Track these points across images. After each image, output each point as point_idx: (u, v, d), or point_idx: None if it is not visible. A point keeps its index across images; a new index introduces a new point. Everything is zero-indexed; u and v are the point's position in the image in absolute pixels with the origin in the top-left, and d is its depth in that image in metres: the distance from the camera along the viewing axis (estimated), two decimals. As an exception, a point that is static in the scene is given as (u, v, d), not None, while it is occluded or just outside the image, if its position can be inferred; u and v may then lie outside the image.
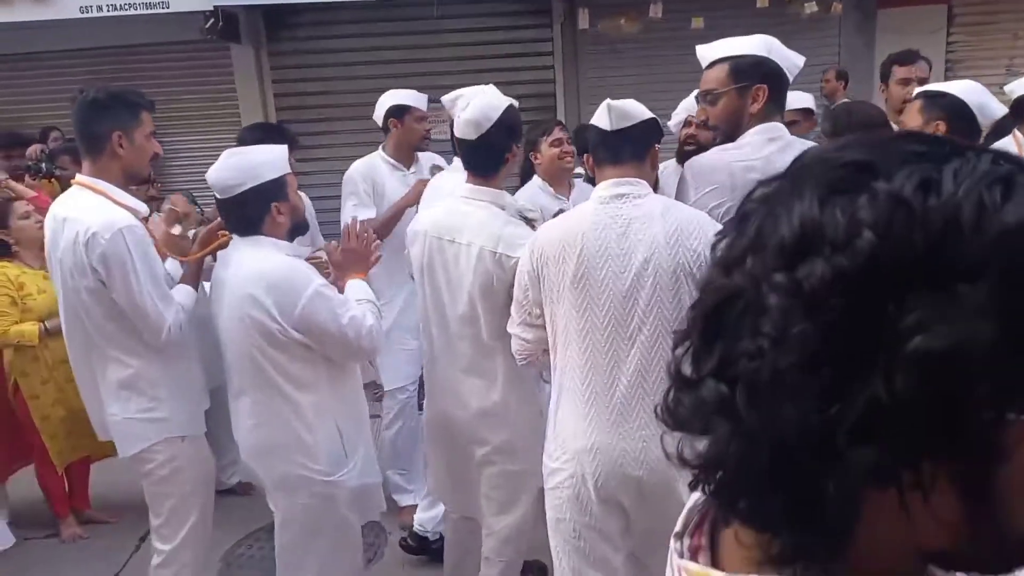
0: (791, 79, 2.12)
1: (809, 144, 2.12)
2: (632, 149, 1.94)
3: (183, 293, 2.38)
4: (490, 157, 2.25)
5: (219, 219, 2.43)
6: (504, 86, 2.58)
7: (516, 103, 2.30)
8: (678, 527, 0.61)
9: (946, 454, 0.45)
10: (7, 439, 3.54)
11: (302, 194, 2.63)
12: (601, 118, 1.95)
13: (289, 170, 2.22)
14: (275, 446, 2.20)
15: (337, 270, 2.35)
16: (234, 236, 2.25)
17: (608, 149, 1.96)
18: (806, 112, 3.82)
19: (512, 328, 2.07)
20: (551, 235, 1.96)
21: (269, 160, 2.17)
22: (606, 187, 1.94)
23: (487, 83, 2.41)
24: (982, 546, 0.49)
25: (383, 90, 3.74)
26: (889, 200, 0.45)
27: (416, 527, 3.17)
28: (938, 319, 0.43)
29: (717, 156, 2.12)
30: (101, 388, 2.37)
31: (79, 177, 2.33)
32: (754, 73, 2.07)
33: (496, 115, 2.19)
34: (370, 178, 3.55)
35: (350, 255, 2.34)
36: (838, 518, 0.47)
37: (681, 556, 0.59)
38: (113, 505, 3.81)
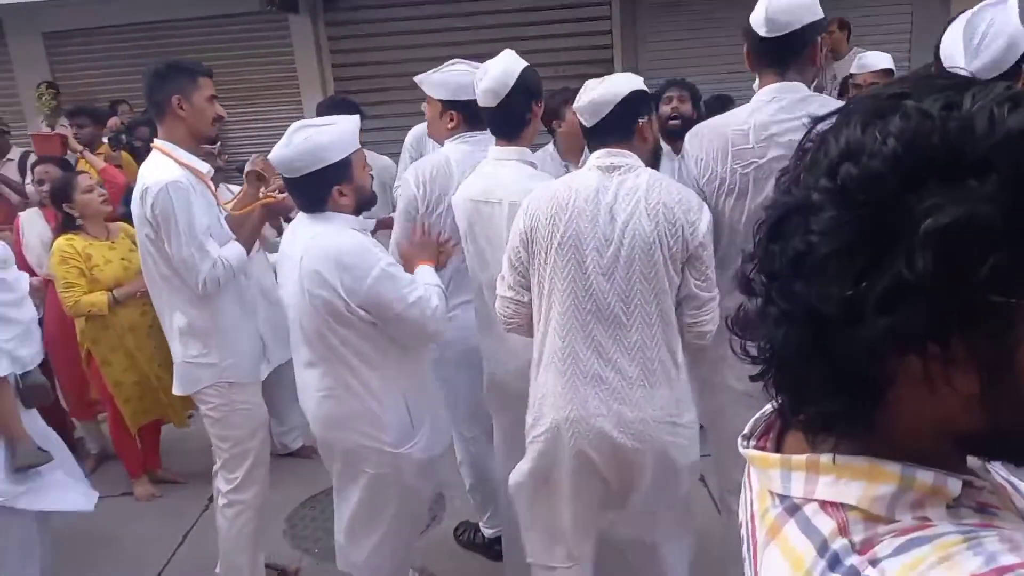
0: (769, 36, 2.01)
1: (823, 98, 2.13)
2: (620, 126, 2.00)
3: (231, 249, 2.51)
4: (512, 120, 2.32)
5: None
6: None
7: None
8: (745, 430, 0.72)
9: (961, 329, 0.53)
10: (80, 393, 3.74)
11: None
12: None
13: (358, 147, 2.20)
14: (343, 417, 2.23)
15: (406, 261, 2.37)
16: (301, 214, 2.25)
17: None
18: (886, 72, 3.92)
19: (502, 290, 2.09)
20: (544, 198, 2.00)
21: (335, 141, 2.12)
22: (600, 156, 2.00)
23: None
24: (1010, 429, 0.56)
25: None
26: (916, 114, 0.54)
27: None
28: (949, 203, 0.51)
29: (710, 122, 2.19)
30: (167, 332, 2.58)
31: (155, 141, 2.53)
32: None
33: (513, 80, 2.25)
34: (418, 146, 3.70)
35: (418, 248, 2.41)
36: (866, 383, 0.57)
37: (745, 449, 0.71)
38: (182, 467, 3.96)
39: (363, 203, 2.26)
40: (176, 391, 2.64)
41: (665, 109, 3.66)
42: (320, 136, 2.11)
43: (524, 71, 2.27)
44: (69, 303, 3.38)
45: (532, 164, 2.35)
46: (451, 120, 2.57)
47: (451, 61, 2.61)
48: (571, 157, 3.34)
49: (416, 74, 2.68)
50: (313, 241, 2.13)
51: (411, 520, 2.45)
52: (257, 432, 2.64)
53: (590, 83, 2.03)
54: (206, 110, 2.51)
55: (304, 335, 2.22)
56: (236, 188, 3.02)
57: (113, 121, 5.26)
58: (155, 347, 3.49)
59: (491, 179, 2.32)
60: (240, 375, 2.57)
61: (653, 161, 2.08)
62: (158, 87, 2.47)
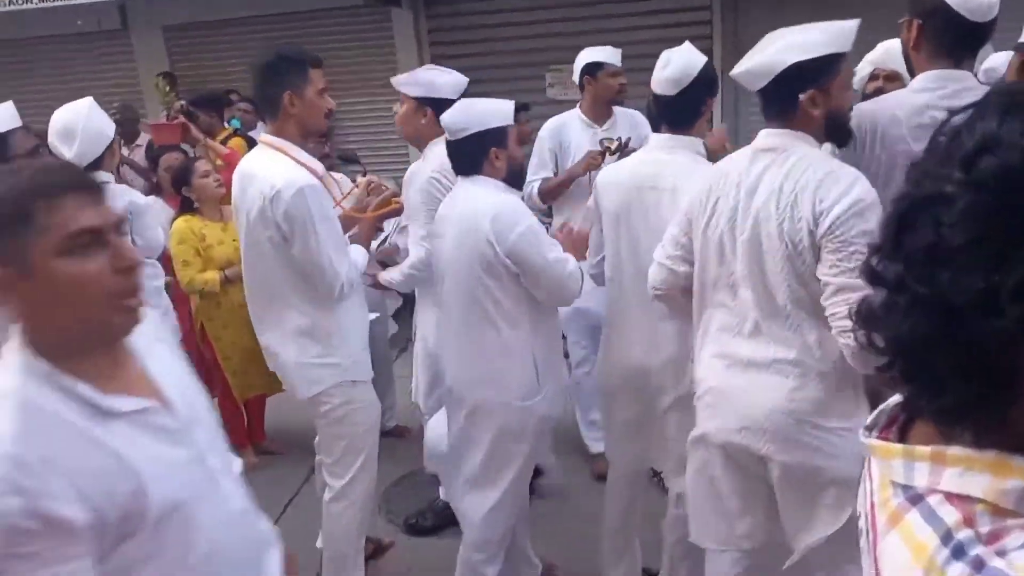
0: (974, 20, 1.91)
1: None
2: (777, 103, 1.86)
3: (356, 252, 2.56)
4: (688, 110, 2.35)
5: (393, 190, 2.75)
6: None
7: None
8: (868, 422, 0.73)
9: None
10: (195, 368, 3.91)
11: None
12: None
13: (513, 123, 2.40)
14: (481, 375, 2.38)
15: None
16: (459, 177, 2.44)
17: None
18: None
19: (660, 256, 2.12)
20: (704, 179, 2.03)
21: (497, 110, 2.37)
22: (760, 137, 1.93)
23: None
24: None
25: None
26: None
27: None
28: None
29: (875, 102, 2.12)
30: (279, 333, 2.51)
31: (263, 136, 2.47)
32: (914, 7, 2.03)
33: (695, 72, 2.29)
34: (557, 137, 3.70)
35: (568, 247, 2.49)
36: (997, 374, 0.57)
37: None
38: (285, 439, 4.16)
39: (513, 173, 2.42)
40: (300, 394, 2.56)
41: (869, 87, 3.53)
42: (484, 104, 2.36)
43: (706, 65, 2.32)
44: (184, 280, 3.61)
45: (702, 154, 2.37)
46: (423, 116, 2.80)
47: (425, 67, 2.81)
48: (597, 117, 3.69)
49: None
50: (469, 201, 2.33)
51: (526, 483, 2.50)
52: (373, 428, 2.65)
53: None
54: (318, 104, 2.42)
55: (456, 292, 2.37)
56: (337, 176, 3.13)
57: (230, 111, 5.50)
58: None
59: (660, 166, 2.35)
60: (361, 374, 2.58)
61: (840, 141, 1.95)
62: (269, 82, 2.38)
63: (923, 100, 1.96)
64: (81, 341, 1.13)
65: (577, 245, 2.53)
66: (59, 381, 1.09)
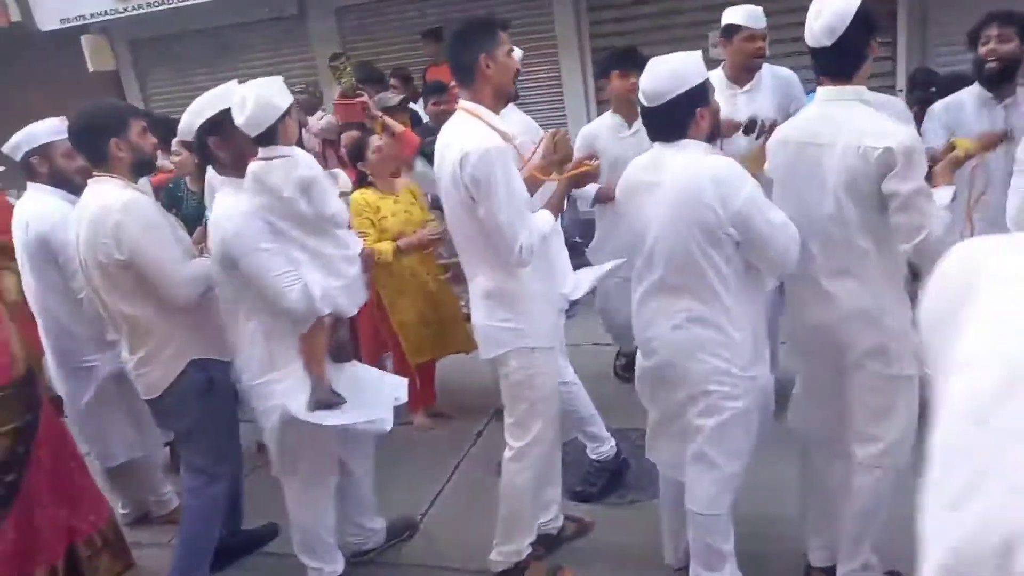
0: None
1: None
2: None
3: (543, 217, 2.53)
4: (849, 57, 2.21)
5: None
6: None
7: None
8: None
9: None
10: (373, 334, 4.15)
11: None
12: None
13: (707, 76, 2.29)
14: (702, 344, 2.30)
15: None
16: (656, 144, 2.35)
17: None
18: None
19: None
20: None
21: (694, 64, 2.25)
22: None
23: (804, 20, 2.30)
24: None
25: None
26: None
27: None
28: None
29: None
30: (472, 293, 2.62)
31: (461, 103, 2.51)
32: None
33: (851, 16, 2.15)
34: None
35: None
36: None
37: None
38: (454, 403, 4.32)
39: (715, 130, 2.34)
40: (484, 354, 2.65)
41: (982, 50, 3.25)
42: (678, 61, 2.25)
43: (863, 3, 2.16)
44: (360, 249, 3.81)
45: (870, 103, 2.23)
46: None
47: None
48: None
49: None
50: (682, 167, 2.24)
51: (745, 457, 2.43)
52: (552, 396, 2.67)
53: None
54: (509, 65, 2.48)
55: (673, 261, 2.30)
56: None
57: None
58: (435, 293, 3.90)
59: (821, 121, 2.26)
60: (542, 341, 2.58)
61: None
62: (464, 49, 2.43)
63: None
64: None
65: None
66: None
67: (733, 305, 2.26)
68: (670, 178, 2.25)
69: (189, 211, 3.79)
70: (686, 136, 2.27)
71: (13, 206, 4.08)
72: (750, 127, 3.47)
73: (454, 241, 2.66)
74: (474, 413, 4.17)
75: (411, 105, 5.41)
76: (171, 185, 4.12)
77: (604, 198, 3.62)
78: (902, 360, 2.26)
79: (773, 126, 3.18)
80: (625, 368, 4.32)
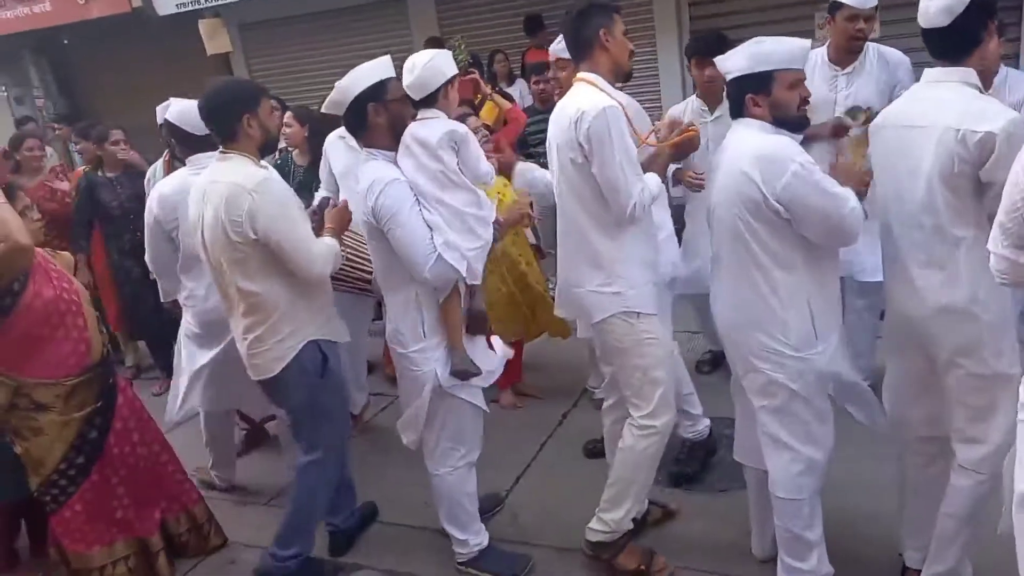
0: None
1: None
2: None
3: (652, 179, 2.57)
4: (965, 39, 2.14)
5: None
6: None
7: None
8: None
9: None
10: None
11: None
12: None
13: (788, 68, 2.29)
14: (751, 319, 2.33)
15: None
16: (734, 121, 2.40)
17: None
18: None
19: (994, 246, 1.79)
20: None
21: (772, 52, 2.28)
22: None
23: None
24: None
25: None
26: None
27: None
28: None
29: None
30: (577, 258, 2.62)
31: (579, 74, 2.59)
32: None
33: None
34: None
35: (844, 176, 2.39)
36: None
37: None
38: (541, 385, 4.37)
39: (780, 120, 2.31)
40: (588, 319, 2.66)
41: None
42: (768, 45, 2.28)
43: None
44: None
45: (977, 87, 2.14)
46: None
47: None
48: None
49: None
50: (737, 144, 2.32)
51: (818, 443, 2.38)
52: (664, 362, 2.65)
53: None
54: (625, 43, 2.58)
55: (723, 238, 2.37)
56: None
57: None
58: (526, 274, 3.93)
59: (920, 103, 2.20)
60: (646, 307, 2.58)
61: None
62: (584, 24, 2.55)
63: None
64: None
65: (855, 179, 2.37)
66: None
67: (784, 282, 2.25)
68: (726, 155, 2.33)
69: (295, 185, 3.93)
70: (743, 115, 2.33)
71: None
72: (852, 114, 3.34)
73: (561, 209, 2.67)
74: (560, 394, 4.21)
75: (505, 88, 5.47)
76: (279, 161, 4.32)
77: (681, 179, 3.57)
78: (1000, 358, 2.14)
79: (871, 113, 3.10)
80: (708, 363, 4.31)
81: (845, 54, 3.41)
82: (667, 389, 2.65)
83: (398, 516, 3.38)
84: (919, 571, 2.48)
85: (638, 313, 2.57)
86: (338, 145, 3.94)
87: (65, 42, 10.20)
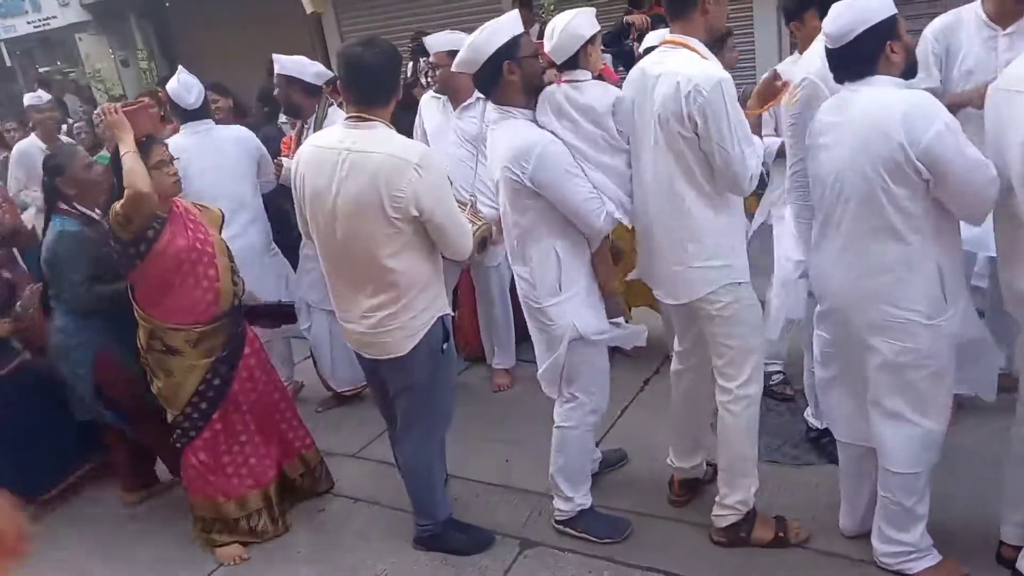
0: None
1: None
2: None
3: (759, 146, 2.50)
4: None
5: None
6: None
7: None
8: None
9: None
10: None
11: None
12: None
13: (896, 11, 2.21)
14: (876, 290, 2.25)
15: None
16: (845, 83, 2.30)
17: None
18: None
19: None
20: None
21: (880, 1, 2.21)
22: None
23: None
24: None
25: None
26: None
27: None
28: None
29: None
30: (673, 236, 2.56)
31: (669, 36, 2.55)
32: None
33: None
34: (946, 38, 3.06)
35: None
36: None
37: None
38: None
39: (910, 66, 2.25)
40: (683, 297, 2.60)
41: None
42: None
43: None
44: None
45: None
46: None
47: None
48: None
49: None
50: (871, 104, 2.18)
51: (944, 414, 2.33)
52: (759, 327, 2.67)
53: None
54: (724, 5, 2.52)
55: (853, 203, 2.24)
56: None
57: None
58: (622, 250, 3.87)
59: None
60: (745, 275, 2.60)
61: None
62: None
63: None
64: None
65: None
66: None
67: (920, 247, 2.16)
68: (856, 115, 2.18)
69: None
70: (876, 73, 2.18)
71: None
72: None
73: (656, 183, 2.58)
74: (643, 360, 4.18)
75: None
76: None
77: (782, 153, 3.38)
78: None
79: None
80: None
81: (1010, 10, 2.93)
82: (760, 356, 2.65)
83: (478, 474, 3.47)
84: (1017, 547, 2.40)
85: (739, 283, 2.55)
86: (432, 104, 4.00)
87: (167, 4, 10.55)
